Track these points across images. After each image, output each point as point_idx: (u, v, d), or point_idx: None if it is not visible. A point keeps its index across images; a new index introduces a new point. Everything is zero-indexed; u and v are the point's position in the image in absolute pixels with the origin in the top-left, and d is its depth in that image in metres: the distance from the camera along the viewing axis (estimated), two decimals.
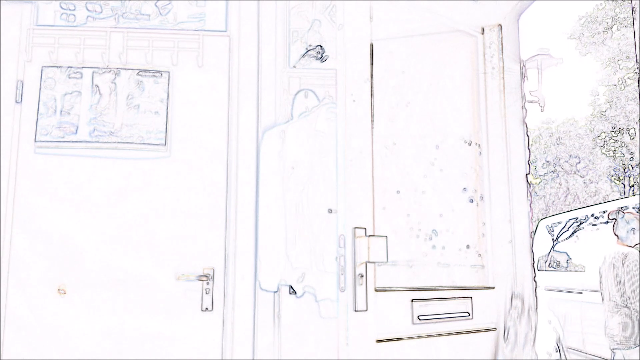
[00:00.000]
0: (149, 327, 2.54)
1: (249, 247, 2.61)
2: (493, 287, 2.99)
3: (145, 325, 2.54)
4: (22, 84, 2.66)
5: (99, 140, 2.64)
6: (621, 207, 5.60)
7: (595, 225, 5.94)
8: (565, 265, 6.35)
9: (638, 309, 4.07)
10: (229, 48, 2.76)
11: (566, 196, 18.87)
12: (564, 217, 6.78)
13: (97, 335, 2.52)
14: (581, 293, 5.70)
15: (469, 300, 2.88)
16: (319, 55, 2.77)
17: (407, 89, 2.94)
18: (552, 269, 6.59)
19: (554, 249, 6.66)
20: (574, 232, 6.31)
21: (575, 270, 6.10)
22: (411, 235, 2.82)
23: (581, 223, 6.22)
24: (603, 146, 18.01)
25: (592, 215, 6.06)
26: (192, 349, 2.55)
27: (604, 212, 5.87)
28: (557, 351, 6.04)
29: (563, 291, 6.04)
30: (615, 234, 4.36)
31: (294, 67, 2.77)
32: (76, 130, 2.64)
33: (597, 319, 5.40)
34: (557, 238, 6.65)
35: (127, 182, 2.63)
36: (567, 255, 6.34)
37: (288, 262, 2.58)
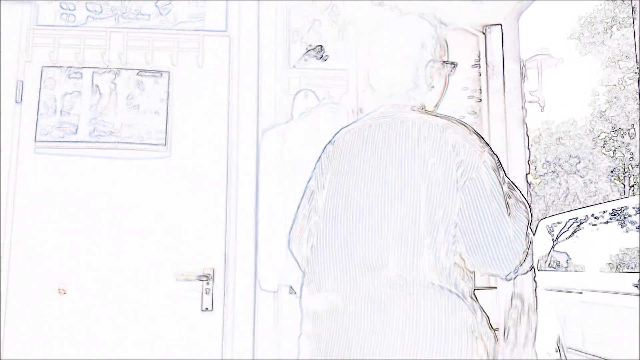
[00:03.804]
0: (149, 327, 2.54)
1: (249, 247, 2.61)
2: (495, 287, 2.99)
3: (145, 325, 2.54)
4: (22, 84, 2.66)
5: (99, 140, 2.64)
6: (620, 208, 5.59)
7: (595, 225, 5.93)
8: (565, 265, 6.35)
9: None
10: (229, 48, 2.76)
11: (566, 196, 18.88)
12: (564, 217, 6.78)
13: (97, 335, 2.52)
14: (581, 293, 5.69)
15: None
16: (319, 55, 2.77)
17: None
18: (552, 269, 6.59)
19: (554, 249, 6.65)
20: (574, 232, 6.31)
21: (575, 270, 6.09)
22: None
23: (581, 223, 6.22)
24: (603, 146, 18.01)
25: (592, 215, 6.06)
26: (192, 349, 2.55)
27: (604, 212, 5.87)
28: (557, 351, 6.04)
29: (563, 291, 6.03)
30: None
31: (294, 67, 2.77)
32: (76, 130, 2.64)
33: (597, 319, 5.40)
34: (557, 238, 6.64)
35: (127, 182, 2.63)
36: (567, 255, 6.33)
37: (288, 262, 2.58)
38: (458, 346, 1.28)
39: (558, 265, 6.50)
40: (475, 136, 1.41)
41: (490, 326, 1.37)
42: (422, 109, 1.54)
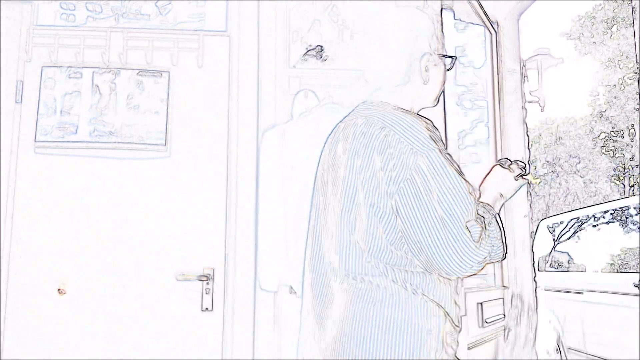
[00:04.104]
0: (149, 327, 2.54)
1: (249, 247, 2.61)
2: (507, 287, 2.99)
3: (145, 326, 2.54)
4: (22, 84, 2.66)
5: (99, 140, 2.64)
6: (622, 208, 5.58)
7: (597, 225, 5.92)
8: (566, 265, 6.33)
9: None
10: (229, 48, 2.76)
11: (566, 196, 18.88)
12: (565, 217, 6.76)
13: (97, 335, 2.52)
14: (582, 293, 5.68)
15: (501, 301, 2.88)
16: (319, 55, 2.77)
17: None
18: (553, 269, 6.57)
19: (555, 249, 6.64)
20: (575, 232, 6.30)
21: (577, 271, 6.08)
22: None
23: (582, 223, 6.20)
24: (603, 146, 18.01)
25: (593, 215, 6.05)
26: (192, 349, 2.55)
27: (606, 212, 5.85)
28: (557, 351, 6.03)
29: (564, 291, 6.02)
30: None
31: (294, 67, 2.77)
32: (76, 130, 2.64)
33: (598, 319, 5.38)
34: (559, 238, 6.62)
35: (127, 182, 2.63)
36: (569, 255, 6.31)
37: (288, 262, 2.58)
38: (383, 340, 1.28)
39: (559, 265, 6.49)
40: (420, 132, 1.33)
41: (454, 327, 1.33)
42: (410, 109, 1.48)
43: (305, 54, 2.78)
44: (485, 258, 1.30)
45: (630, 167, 17.32)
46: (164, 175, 2.65)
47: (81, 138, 2.64)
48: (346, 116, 1.55)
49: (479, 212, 1.37)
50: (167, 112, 2.68)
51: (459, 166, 1.35)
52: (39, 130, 2.62)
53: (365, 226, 1.33)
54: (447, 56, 1.50)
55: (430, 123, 1.40)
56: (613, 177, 17.97)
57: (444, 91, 1.62)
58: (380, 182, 1.31)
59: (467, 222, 1.29)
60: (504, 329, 2.95)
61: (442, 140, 1.38)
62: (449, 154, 1.35)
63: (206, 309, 2.57)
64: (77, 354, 2.50)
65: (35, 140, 2.62)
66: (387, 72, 1.47)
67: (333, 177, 1.43)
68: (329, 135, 1.58)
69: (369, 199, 1.32)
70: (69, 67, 2.68)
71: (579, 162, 18.90)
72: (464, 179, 1.33)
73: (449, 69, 1.51)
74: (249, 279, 2.60)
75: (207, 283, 2.58)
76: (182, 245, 2.60)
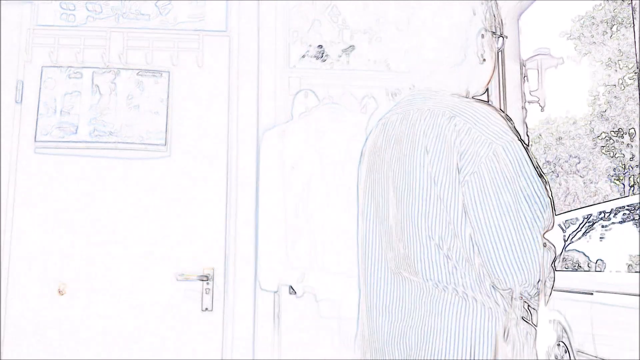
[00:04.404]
0: (148, 327, 2.54)
1: (249, 247, 2.61)
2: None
3: (145, 325, 2.54)
4: (22, 84, 2.66)
5: (99, 140, 2.64)
6: (633, 205, 5.50)
7: (607, 226, 5.83)
8: (580, 266, 6.20)
9: None
10: (229, 48, 2.76)
11: (566, 196, 18.88)
12: (573, 215, 6.63)
13: (97, 335, 2.52)
14: (592, 294, 5.58)
15: None
16: (319, 55, 2.77)
17: None
18: (564, 269, 6.42)
19: (566, 248, 6.50)
20: (586, 231, 6.19)
21: (589, 271, 5.97)
22: None
23: (593, 223, 6.10)
24: (603, 146, 18.01)
25: (601, 216, 5.96)
26: (192, 349, 2.55)
27: (618, 211, 5.73)
28: (563, 352, 5.98)
29: (574, 292, 5.90)
30: None
31: (294, 67, 2.76)
32: (76, 130, 2.64)
33: (608, 320, 5.31)
34: (570, 237, 6.48)
35: (127, 182, 2.63)
36: (585, 255, 6.17)
37: (288, 262, 2.58)
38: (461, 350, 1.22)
39: (574, 265, 6.37)
40: (495, 123, 1.19)
41: (531, 326, 1.28)
42: (466, 94, 1.36)
43: (305, 54, 2.78)
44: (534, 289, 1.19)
45: (630, 167, 17.32)
46: (164, 176, 2.65)
47: (81, 138, 2.63)
48: (395, 107, 1.39)
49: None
50: (167, 112, 2.68)
51: (541, 169, 1.21)
52: (39, 130, 2.62)
53: (446, 229, 1.19)
54: (495, 33, 1.39)
55: (504, 112, 1.26)
56: (613, 177, 17.97)
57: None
58: (452, 179, 1.18)
59: (544, 233, 1.15)
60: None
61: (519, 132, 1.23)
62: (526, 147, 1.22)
63: (206, 309, 2.57)
64: (77, 354, 2.50)
65: (35, 140, 2.62)
66: (442, 53, 1.35)
67: (397, 180, 1.28)
68: (373, 129, 1.43)
69: (446, 198, 1.18)
70: (69, 67, 2.68)
71: (579, 162, 18.90)
72: (546, 182, 1.19)
73: (499, 50, 1.41)
74: (249, 279, 2.60)
75: (207, 283, 2.58)
76: (182, 245, 2.60)
